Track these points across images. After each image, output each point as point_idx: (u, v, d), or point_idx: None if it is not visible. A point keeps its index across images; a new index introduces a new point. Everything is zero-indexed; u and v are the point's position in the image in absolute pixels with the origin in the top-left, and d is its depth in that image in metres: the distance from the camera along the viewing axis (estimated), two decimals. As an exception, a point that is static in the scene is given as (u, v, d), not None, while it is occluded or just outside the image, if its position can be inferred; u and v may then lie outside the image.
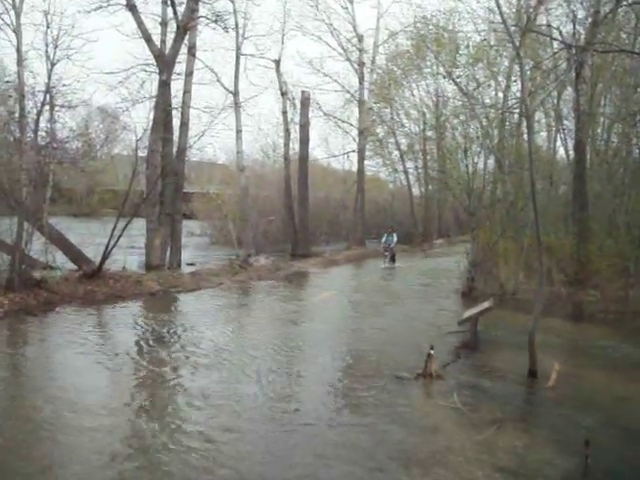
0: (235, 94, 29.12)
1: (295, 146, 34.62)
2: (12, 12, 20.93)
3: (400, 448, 6.83)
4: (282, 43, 33.49)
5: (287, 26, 34.00)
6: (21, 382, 9.22)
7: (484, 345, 11.94)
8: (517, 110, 19.56)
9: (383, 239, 29.65)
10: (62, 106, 18.67)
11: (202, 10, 23.34)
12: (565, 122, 21.89)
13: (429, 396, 9.08)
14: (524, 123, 18.53)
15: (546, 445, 7.05)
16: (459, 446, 6.97)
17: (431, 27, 23.89)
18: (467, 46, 21.28)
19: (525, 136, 18.84)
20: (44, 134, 17.92)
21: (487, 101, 21.55)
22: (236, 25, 28.58)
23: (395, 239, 29.38)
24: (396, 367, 10.05)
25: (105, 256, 17.84)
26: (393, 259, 28.89)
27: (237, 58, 29.45)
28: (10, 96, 18.87)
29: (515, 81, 20.69)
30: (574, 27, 18.92)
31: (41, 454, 6.47)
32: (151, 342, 11.65)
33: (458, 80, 20.92)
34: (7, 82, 20.58)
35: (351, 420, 7.76)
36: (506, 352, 11.50)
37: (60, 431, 7.07)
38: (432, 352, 9.46)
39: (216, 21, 23.62)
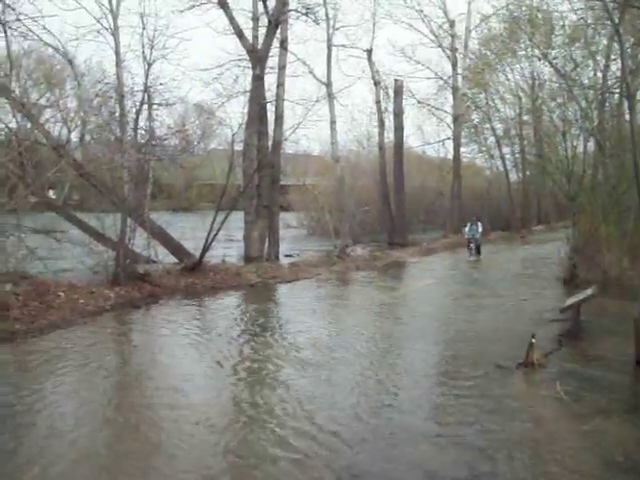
0: (328, 85, 29.22)
1: (389, 135, 34.58)
2: (110, 16, 21.52)
3: (502, 437, 6.72)
4: (373, 32, 33.53)
5: (377, 15, 34.03)
6: (128, 371, 9.49)
7: (587, 333, 11.60)
8: (617, 90, 18.93)
9: (466, 229, 27.80)
10: (160, 104, 19.07)
11: (292, 3, 23.51)
12: (671, 100, 21.03)
13: (531, 385, 8.90)
14: (625, 103, 17.87)
15: (655, 437, 6.82)
16: (563, 436, 6.80)
17: (524, 8, 23.25)
18: (563, 26, 20.69)
19: (627, 116, 18.16)
20: (143, 132, 18.38)
21: (585, 82, 20.83)
22: (326, 17, 28.71)
23: (480, 229, 27.36)
24: (497, 356, 9.89)
25: (205, 249, 18.22)
26: (479, 251, 27.09)
27: (329, 49, 29.55)
28: (110, 97, 19.41)
29: (615, 60, 19.92)
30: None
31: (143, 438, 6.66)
32: (253, 334, 11.78)
33: (554, 61, 20.39)
34: (107, 84, 21.18)
35: (452, 409, 7.69)
36: (611, 340, 11.12)
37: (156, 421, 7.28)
38: (534, 340, 9.27)
39: (306, 14, 23.72)
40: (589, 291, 12.08)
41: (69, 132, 35.72)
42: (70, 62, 26.53)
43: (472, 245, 26.95)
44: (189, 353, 10.22)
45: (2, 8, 16.12)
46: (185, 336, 11.51)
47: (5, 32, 16.88)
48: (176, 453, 6.33)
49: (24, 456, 6.25)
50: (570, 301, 12.02)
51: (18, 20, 16.85)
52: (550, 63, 20.66)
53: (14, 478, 5.76)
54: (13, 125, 17.30)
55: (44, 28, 20.93)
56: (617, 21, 10.36)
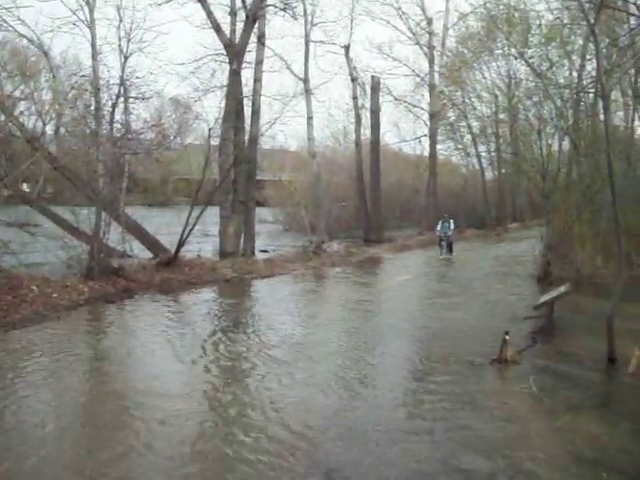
0: (305, 81, 29.25)
1: (366, 131, 34.67)
2: (86, 8, 21.36)
3: (475, 434, 6.76)
4: (351, 29, 33.60)
5: (355, 11, 34.24)
6: (99, 367, 9.42)
7: (561, 330, 11.70)
8: (592, 90, 19.06)
9: (438, 227, 26.86)
10: (136, 98, 18.94)
11: (270, -1, 23.42)
12: (643, 101, 21.21)
13: (504, 381, 8.97)
14: (600, 103, 18.04)
15: (625, 433, 6.88)
16: (535, 432, 6.87)
17: (502, 7, 23.37)
18: (539, 25, 20.83)
19: (601, 116, 18.33)
20: (119, 126, 18.25)
21: (561, 81, 20.99)
22: (304, 12, 28.78)
23: (452, 227, 26.67)
24: (471, 352, 9.96)
25: (180, 244, 18.17)
26: (450, 249, 26.33)
27: (306, 45, 29.60)
28: (86, 90, 19.27)
29: (590, 60, 20.08)
30: (652, 1, 18.33)
31: (115, 442, 6.64)
32: (227, 330, 11.75)
33: (531, 60, 20.53)
34: (83, 76, 21.02)
35: (425, 405, 7.73)
36: (584, 337, 11.23)
37: (135, 414, 7.25)
38: (507, 337, 9.35)
39: (285, 9, 23.70)
40: (562, 289, 12.20)
41: (44, 125, 35.37)
42: (45, 54, 26.44)
43: (444, 243, 26.29)
44: (162, 349, 10.15)
45: (-25, -1, 15.95)
46: (159, 332, 11.44)
47: (-21, 23, 16.72)
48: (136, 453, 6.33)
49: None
50: (544, 298, 12.13)
51: (-9, 10, 16.69)
52: (526, 62, 20.80)
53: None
54: (-14, 118, 17.16)
55: (19, 19, 20.85)
56: (593, 21, 10.41)
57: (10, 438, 6.53)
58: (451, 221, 26.69)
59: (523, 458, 6.18)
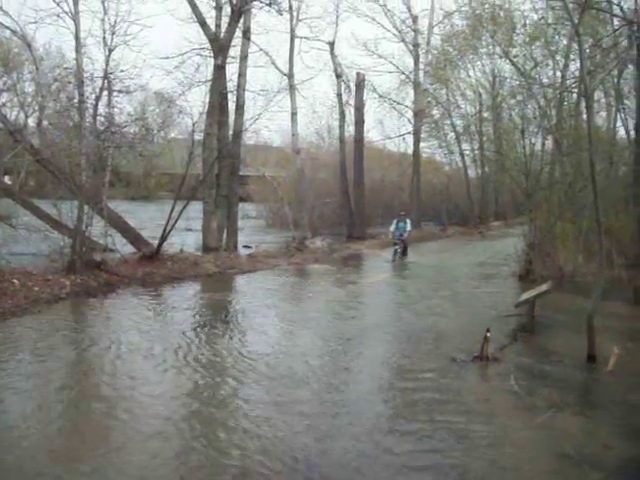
0: (290, 77, 29.18)
1: (350, 128, 34.61)
2: (70, 0, 21.25)
3: (455, 430, 6.81)
4: (336, 25, 33.42)
5: (341, 8, 34.20)
6: (78, 362, 9.39)
7: (542, 328, 11.78)
8: (576, 89, 19.20)
9: (392, 227, 24.22)
10: (120, 91, 18.81)
11: (256, -7, 23.32)
12: (626, 102, 21.33)
13: (485, 379, 9.04)
14: (583, 103, 18.10)
15: (605, 430, 6.95)
16: (516, 429, 6.94)
17: (487, 6, 23.45)
18: (524, 25, 20.93)
19: (584, 116, 18.37)
20: (102, 119, 18.13)
21: (545, 80, 21.12)
22: (290, 7, 28.66)
23: (409, 227, 24.06)
24: (452, 350, 10.01)
25: (163, 238, 18.13)
26: (405, 252, 23.78)
27: (291, 41, 29.51)
28: (69, 82, 19.16)
29: (574, 60, 20.21)
30: (636, 2, 18.41)
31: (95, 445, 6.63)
32: (207, 326, 11.73)
33: (515, 59, 20.65)
34: (66, 69, 20.90)
35: (405, 401, 7.78)
36: (564, 335, 11.34)
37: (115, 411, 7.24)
38: (489, 335, 9.39)
39: (270, 4, 23.56)
40: (544, 287, 12.28)
41: (26, 117, 35.22)
42: (29, 46, 26.28)
43: (398, 247, 23.53)
44: (140, 347, 9.99)
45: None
46: (139, 327, 11.39)
47: (-40, 13, 16.60)
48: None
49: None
50: (525, 296, 12.20)
51: (-27, 1, 16.57)
52: (511, 61, 20.92)
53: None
54: (-32, 109, 17.04)
55: (1, 9, 20.63)
56: (577, 22, 10.47)
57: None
58: (408, 221, 24.32)
59: (504, 454, 6.24)
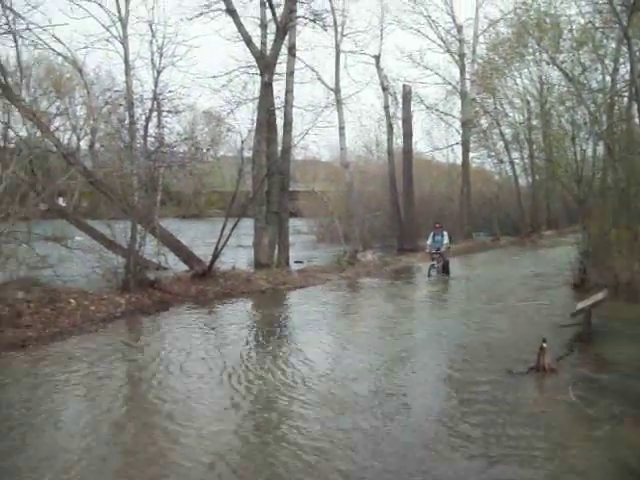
0: (336, 91, 29.35)
1: (398, 140, 34.59)
2: (119, 24, 21.71)
3: (514, 442, 6.69)
4: (381, 38, 33.60)
5: (385, 21, 34.22)
6: (135, 380, 9.46)
7: (599, 338, 11.54)
8: (626, 93, 18.90)
9: (429, 241, 22.42)
10: (169, 112, 19.08)
11: (300, 10, 23.47)
12: (679, 104, 20.92)
13: (542, 390, 8.86)
14: (634, 106, 17.89)
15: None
16: (576, 442, 6.77)
17: (532, 12, 23.21)
18: (571, 30, 20.67)
19: (636, 120, 18.17)
20: (153, 139, 18.40)
21: (594, 85, 20.80)
22: (334, 23, 28.88)
23: (446, 240, 21.93)
24: (508, 361, 9.85)
25: (215, 256, 18.25)
26: (446, 268, 21.90)
27: (337, 55, 29.72)
28: (120, 105, 19.49)
29: (623, 63, 19.88)
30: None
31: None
32: (262, 345, 11.75)
33: (563, 65, 20.38)
34: (116, 91, 21.29)
35: (462, 413, 7.67)
36: (623, 345, 11.07)
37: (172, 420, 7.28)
38: (545, 345, 9.23)
39: (314, 20, 23.70)
40: (600, 295, 12.05)
41: (78, 140, 36.03)
42: (80, 70, 26.83)
43: (435, 262, 21.76)
44: (195, 366, 10.03)
45: (12, 17, 16.23)
46: (194, 345, 11.47)
47: (15, 41, 17.03)
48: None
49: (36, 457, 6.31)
50: (581, 305, 11.96)
51: (28, 29, 16.97)
52: (558, 67, 20.66)
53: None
54: (23, 133, 17.43)
55: (54, 37, 21.12)
56: (625, 24, 10.33)
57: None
58: (445, 234, 22.16)
59: (563, 468, 6.11)
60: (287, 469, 6.13)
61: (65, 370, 9.66)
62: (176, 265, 19.37)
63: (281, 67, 24.09)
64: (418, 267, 24.92)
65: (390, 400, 8.23)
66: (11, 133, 16.74)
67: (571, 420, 7.56)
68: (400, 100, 33.18)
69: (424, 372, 9.65)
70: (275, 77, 23.16)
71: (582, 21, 20.23)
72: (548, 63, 23.63)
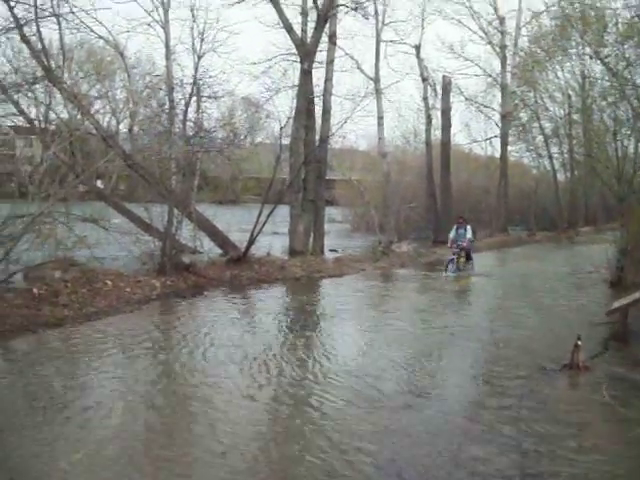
0: (376, 81, 29.21)
1: (436, 132, 34.39)
2: (161, 9, 21.85)
3: (546, 440, 6.63)
4: (422, 28, 33.36)
5: (427, 11, 33.89)
6: (170, 361, 9.53)
7: (635, 337, 11.34)
8: (671, 89, 18.60)
9: (451, 234, 20.83)
10: (209, 97, 19.18)
11: (342, -2, 23.41)
12: None
13: (576, 388, 8.78)
14: (680, 102, 17.62)
15: None
16: (609, 442, 6.70)
17: (576, 5, 22.97)
18: (615, 23, 20.39)
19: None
20: (192, 124, 18.50)
21: (638, 81, 20.50)
22: (375, 12, 28.77)
23: (469, 234, 20.39)
24: (542, 358, 9.77)
25: (251, 242, 18.35)
26: (468, 259, 20.58)
27: (377, 45, 29.57)
28: (159, 89, 19.63)
29: (669, 58, 19.59)
30: None
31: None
32: (292, 329, 11.83)
33: (606, 60, 20.11)
34: (156, 76, 21.45)
35: (495, 409, 7.62)
36: (659, 345, 10.95)
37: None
38: (579, 343, 9.12)
39: (356, 9, 23.63)
40: (637, 294, 11.86)
41: (118, 123, 36.35)
42: (121, 54, 27.01)
43: (455, 257, 20.16)
44: (228, 351, 10.03)
45: (56, 1, 16.35)
46: (228, 329, 11.56)
47: (59, 24, 17.15)
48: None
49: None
50: (617, 304, 11.79)
51: (71, 12, 17.09)
52: (602, 61, 20.41)
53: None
54: (64, 116, 17.62)
55: (96, 20, 21.30)
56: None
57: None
58: (468, 227, 20.63)
59: (596, 469, 6.02)
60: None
61: (101, 349, 9.80)
62: (211, 250, 19.46)
63: (321, 55, 24.10)
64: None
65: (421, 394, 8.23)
66: (52, 115, 16.98)
67: (604, 420, 7.47)
68: (439, 91, 32.99)
69: (454, 366, 9.63)
70: (315, 65, 23.16)
71: (627, 15, 19.92)
72: (591, 57, 23.35)
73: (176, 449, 6.25)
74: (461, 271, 20.00)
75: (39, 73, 16.37)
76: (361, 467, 5.92)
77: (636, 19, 19.15)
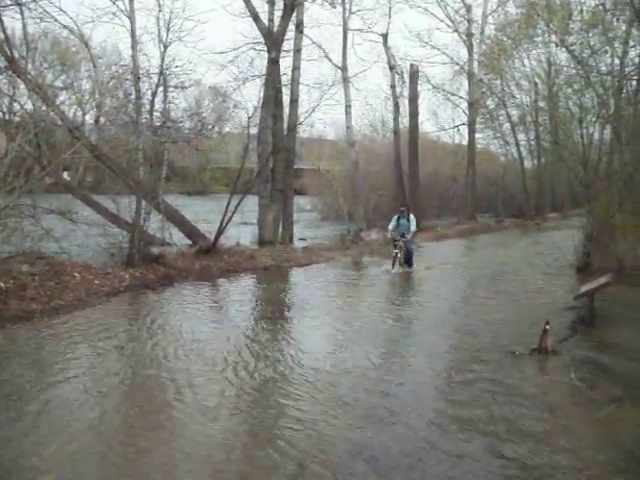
0: (343, 69, 29.24)
1: (404, 120, 34.54)
2: (126, -2, 21.55)
3: (514, 424, 6.72)
4: (389, 17, 33.42)
5: (394, -1, 33.80)
6: (139, 353, 9.48)
7: (601, 321, 11.52)
8: (635, 77, 18.77)
9: (391, 225, 18.99)
10: (175, 87, 19.07)
11: (308, -14, 23.39)
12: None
13: (544, 372, 8.87)
14: (643, 90, 17.80)
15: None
16: (577, 424, 6.82)
17: (542, -7, 23.07)
18: (581, 11, 20.44)
19: (645, 103, 18.06)
20: (159, 115, 18.40)
21: (603, 68, 20.61)
22: (342, 0, 28.59)
23: (413, 226, 18.53)
24: (510, 342, 9.89)
25: (219, 232, 18.33)
26: (409, 260, 18.45)
27: (344, 33, 29.59)
28: (126, 79, 19.45)
29: (634, 46, 19.71)
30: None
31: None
32: (264, 321, 11.78)
33: (571, 47, 20.22)
34: (123, 66, 21.26)
35: (463, 394, 7.70)
36: (625, 328, 11.10)
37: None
38: (548, 327, 9.24)
39: (323, -4, 23.64)
40: (603, 279, 12.01)
41: (84, 114, 35.97)
42: (86, 44, 26.79)
43: (397, 251, 18.18)
44: (197, 340, 10.07)
45: (19, -11, 16.15)
46: (196, 320, 11.57)
47: (22, 13, 16.96)
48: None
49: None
50: (584, 288, 11.95)
51: (34, 1, 16.89)
52: (567, 49, 20.48)
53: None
54: (29, 107, 17.41)
55: (60, 10, 21.06)
56: (637, 6, 10.25)
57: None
58: (412, 217, 18.84)
59: (563, 450, 6.12)
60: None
61: (69, 343, 9.73)
62: (180, 241, 19.39)
63: (288, 44, 24.08)
64: (422, 246, 24.94)
65: (390, 374, 8.30)
66: (17, 106, 16.77)
67: (572, 402, 7.57)
68: (407, 79, 33.10)
69: (424, 350, 9.69)
70: (282, 54, 23.15)
71: (592, 3, 20.05)
72: (557, 45, 23.39)
73: (143, 441, 6.24)
74: (402, 269, 18.23)
75: (2, 64, 16.18)
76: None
77: (600, 7, 19.29)
